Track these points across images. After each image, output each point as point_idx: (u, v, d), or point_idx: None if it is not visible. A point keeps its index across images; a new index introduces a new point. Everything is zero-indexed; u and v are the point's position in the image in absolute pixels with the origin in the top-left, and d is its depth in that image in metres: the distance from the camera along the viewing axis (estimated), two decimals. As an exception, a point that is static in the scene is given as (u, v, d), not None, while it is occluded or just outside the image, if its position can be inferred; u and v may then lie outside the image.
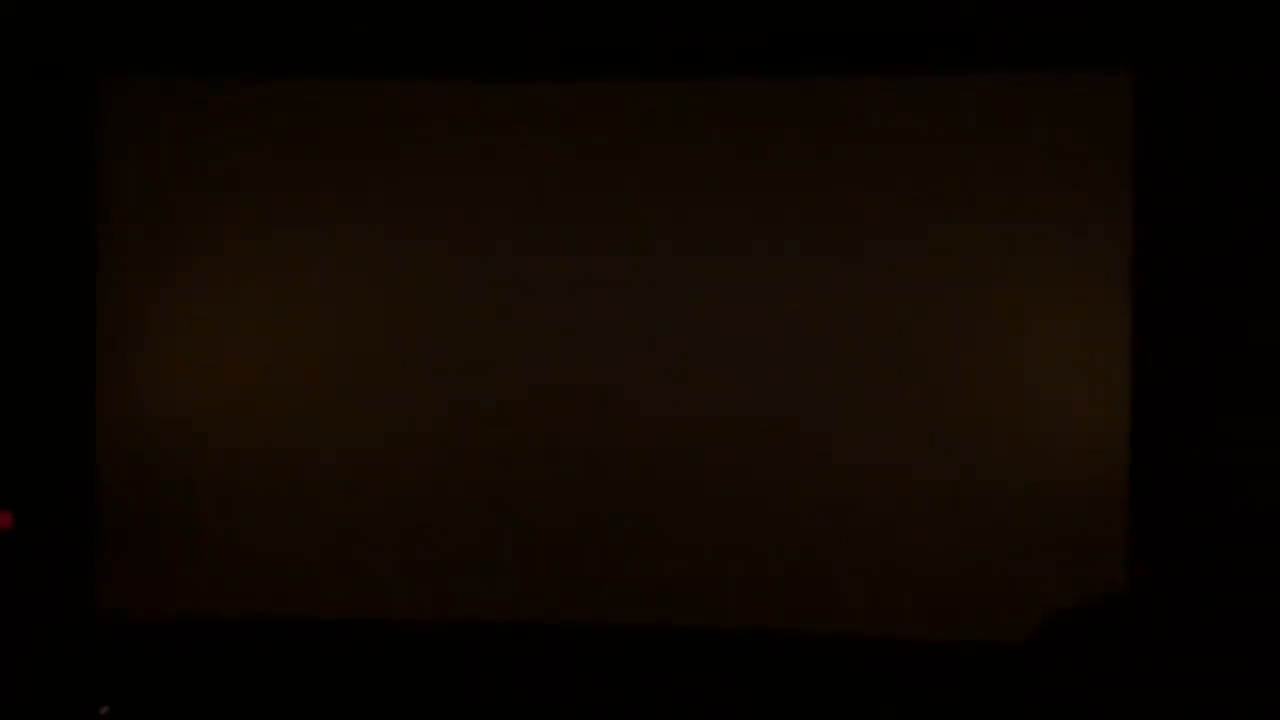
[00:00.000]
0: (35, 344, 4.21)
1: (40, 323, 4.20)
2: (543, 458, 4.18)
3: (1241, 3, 3.94)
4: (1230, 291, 3.97)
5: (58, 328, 4.21)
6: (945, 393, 4.11)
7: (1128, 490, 4.01)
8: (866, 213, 4.14)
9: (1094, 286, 4.05)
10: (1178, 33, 3.95)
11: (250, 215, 4.26)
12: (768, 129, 4.16)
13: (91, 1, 4.11)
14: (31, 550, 4.11)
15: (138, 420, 4.23)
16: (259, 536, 4.22)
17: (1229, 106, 3.95)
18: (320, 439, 4.25)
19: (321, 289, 4.27)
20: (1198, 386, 3.99)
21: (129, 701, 4.03)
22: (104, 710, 3.87)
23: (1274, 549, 3.89)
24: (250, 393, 4.24)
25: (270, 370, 4.26)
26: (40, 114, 4.18)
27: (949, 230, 4.11)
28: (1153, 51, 3.98)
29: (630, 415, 4.17)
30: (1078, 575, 3.93)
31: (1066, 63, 4.02)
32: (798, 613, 4.11)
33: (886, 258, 4.13)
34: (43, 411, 4.21)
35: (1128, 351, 4.02)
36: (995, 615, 3.95)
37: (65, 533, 4.16)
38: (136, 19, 4.14)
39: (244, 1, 4.13)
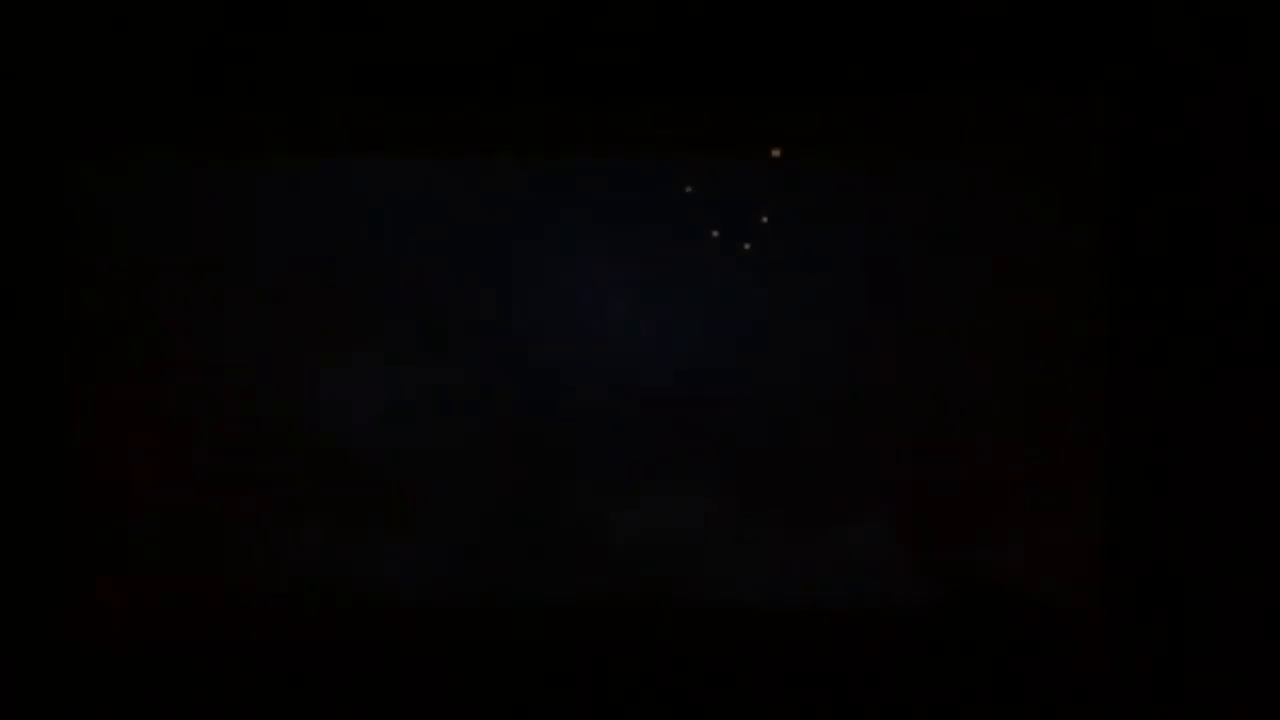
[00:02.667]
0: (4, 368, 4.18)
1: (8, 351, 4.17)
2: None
3: (1221, 20, 3.96)
4: (1207, 304, 3.99)
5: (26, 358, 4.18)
6: (922, 391, 4.12)
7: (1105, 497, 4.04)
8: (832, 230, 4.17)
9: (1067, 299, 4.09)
10: (1154, 49, 3.98)
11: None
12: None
13: (61, 83, 4.11)
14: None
15: (108, 445, 4.21)
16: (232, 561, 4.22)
17: (1207, 124, 3.97)
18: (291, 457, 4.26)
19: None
20: (1175, 399, 3.99)
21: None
22: None
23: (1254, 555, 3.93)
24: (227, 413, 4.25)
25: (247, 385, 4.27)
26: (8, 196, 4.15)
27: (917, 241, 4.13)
28: (1128, 68, 4.00)
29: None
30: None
31: (1040, 78, 4.03)
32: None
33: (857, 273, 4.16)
34: (9, 438, 4.16)
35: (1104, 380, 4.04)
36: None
37: (32, 556, 4.12)
38: (107, 100, 4.13)
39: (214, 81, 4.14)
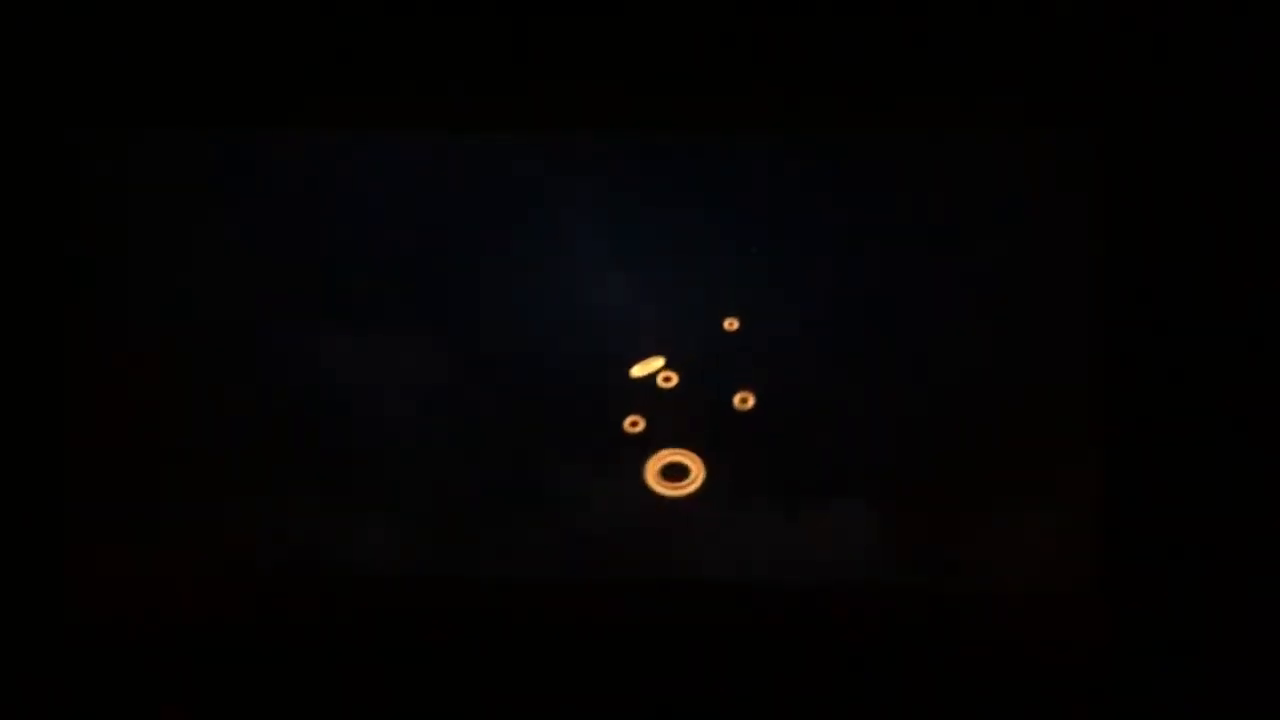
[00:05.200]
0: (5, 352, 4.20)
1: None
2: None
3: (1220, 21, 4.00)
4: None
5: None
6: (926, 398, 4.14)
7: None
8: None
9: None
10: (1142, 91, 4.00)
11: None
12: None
13: (56, 54, 4.09)
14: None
15: (107, 418, 4.23)
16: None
17: (1207, 125, 3.99)
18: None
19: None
20: (1173, 396, 4.01)
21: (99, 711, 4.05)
22: None
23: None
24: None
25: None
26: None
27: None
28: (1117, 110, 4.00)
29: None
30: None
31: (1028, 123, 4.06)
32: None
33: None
34: (9, 418, 4.18)
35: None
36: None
37: (32, 530, 4.14)
38: (103, 70, 4.11)
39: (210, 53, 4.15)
